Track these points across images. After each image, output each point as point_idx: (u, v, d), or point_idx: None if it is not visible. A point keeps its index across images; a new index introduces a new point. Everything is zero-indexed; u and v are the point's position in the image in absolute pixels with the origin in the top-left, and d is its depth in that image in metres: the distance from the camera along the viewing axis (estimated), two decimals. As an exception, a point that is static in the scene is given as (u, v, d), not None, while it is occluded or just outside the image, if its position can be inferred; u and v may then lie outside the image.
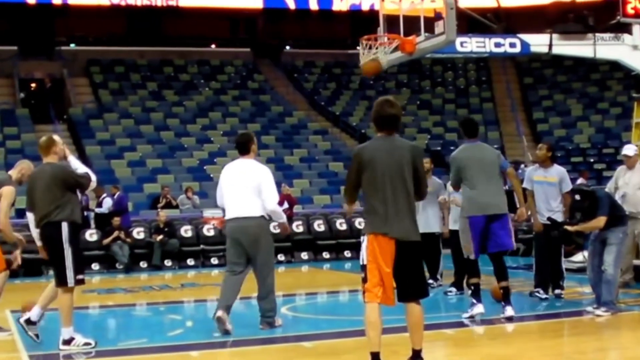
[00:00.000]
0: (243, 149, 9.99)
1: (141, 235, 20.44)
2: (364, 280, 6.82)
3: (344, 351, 8.45)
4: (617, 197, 11.77)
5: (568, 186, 11.53)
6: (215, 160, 27.17)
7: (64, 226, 8.69)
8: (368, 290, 6.75)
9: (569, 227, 10.66)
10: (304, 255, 21.10)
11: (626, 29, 14.00)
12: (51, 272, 9.41)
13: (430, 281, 13.30)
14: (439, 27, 12.25)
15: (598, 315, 9.94)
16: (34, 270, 17.72)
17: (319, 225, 21.63)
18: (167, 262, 20.14)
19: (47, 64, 33.60)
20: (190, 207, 22.92)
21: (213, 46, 36.82)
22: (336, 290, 14.84)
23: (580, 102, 33.55)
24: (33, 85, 34.42)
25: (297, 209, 22.84)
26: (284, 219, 10.27)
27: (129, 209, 21.83)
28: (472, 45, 13.79)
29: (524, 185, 12.19)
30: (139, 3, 33.87)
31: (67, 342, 8.73)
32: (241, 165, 9.92)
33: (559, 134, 31.57)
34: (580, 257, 14.27)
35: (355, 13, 35.34)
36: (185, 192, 23.30)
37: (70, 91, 31.53)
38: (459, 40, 13.07)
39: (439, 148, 29.16)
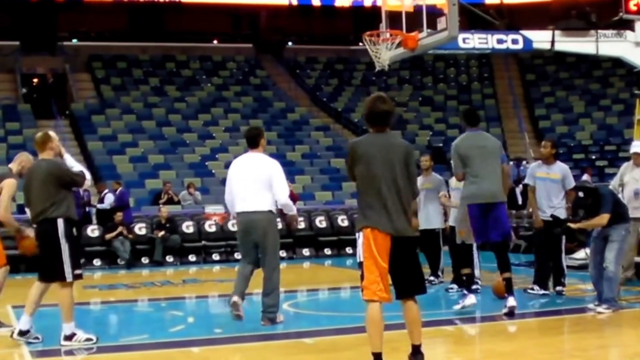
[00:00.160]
0: (252, 143, 10.04)
1: (143, 231, 20.46)
2: (362, 277, 6.81)
3: (345, 347, 8.44)
4: (625, 194, 11.78)
5: (571, 183, 11.54)
6: (217, 156, 27.18)
7: (60, 222, 8.69)
8: (366, 288, 6.72)
9: (571, 225, 10.67)
10: (306, 252, 21.11)
11: (629, 25, 13.98)
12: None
13: (432, 278, 13.32)
14: (441, 23, 12.23)
15: (599, 313, 9.93)
16: (35, 265, 17.70)
17: (320, 222, 21.65)
18: (169, 258, 20.16)
19: (49, 59, 33.59)
20: (191, 203, 22.92)
21: (215, 42, 36.80)
22: (337, 286, 14.84)
23: (582, 99, 33.51)
24: (35, 80, 34.40)
25: (298, 205, 22.80)
26: (294, 211, 10.33)
27: (130, 204, 21.83)
28: (474, 41, 13.78)
29: (526, 181, 12.23)
30: (141, -2, 33.93)
31: (69, 337, 8.72)
32: (250, 160, 9.95)
33: (561, 131, 31.54)
34: (582, 254, 14.28)
35: (357, 9, 35.31)
36: (187, 188, 23.30)
37: (72, 86, 31.53)
38: (461, 36, 13.06)
39: (440, 144, 29.15)
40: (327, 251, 21.25)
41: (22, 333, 8.90)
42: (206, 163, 26.83)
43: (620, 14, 14.03)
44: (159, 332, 9.80)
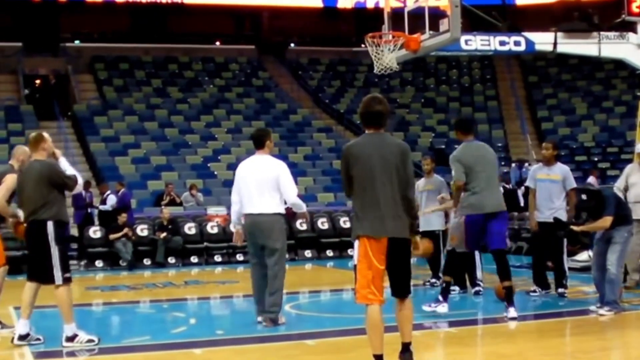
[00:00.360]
0: (258, 144, 10.10)
1: (145, 233, 20.46)
2: (355, 280, 6.86)
3: (347, 349, 8.44)
4: (631, 195, 11.76)
5: (572, 184, 11.56)
6: (219, 157, 27.20)
7: (50, 225, 8.68)
8: (357, 291, 6.79)
9: (574, 227, 10.67)
10: (308, 253, 21.11)
11: (631, 27, 13.97)
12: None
13: (433, 280, 13.31)
14: (443, 25, 12.22)
15: (601, 315, 9.92)
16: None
17: (322, 223, 21.65)
18: (171, 260, 20.16)
19: (51, 60, 33.64)
20: (194, 205, 22.92)
21: (217, 43, 36.83)
22: (339, 288, 14.82)
23: (584, 101, 33.50)
24: (37, 81, 34.45)
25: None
26: (304, 209, 10.40)
27: (131, 206, 21.84)
28: (476, 43, 13.78)
29: (527, 183, 12.26)
30: (143, 0, 33.91)
31: (71, 339, 8.71)
32: (256, 161, 10.00)
33: (563, 133, 31.53)
34: (584, 256, 14.27)
35: (360, 11, 35.34)
36: (189, 189, 23.30)
37: (75, 88, 31.55)
38: (463, 38, 13.05)
39: (443, 146, 29.13)
40: (329, 253, 21.25)
41: (22, 337, 8.89)
42: (208, 164, 26.85)
43: (623, 15, 14.01)
44: (161, 334, 9.80)
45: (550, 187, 11.60)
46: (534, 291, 11.78)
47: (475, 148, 10.32)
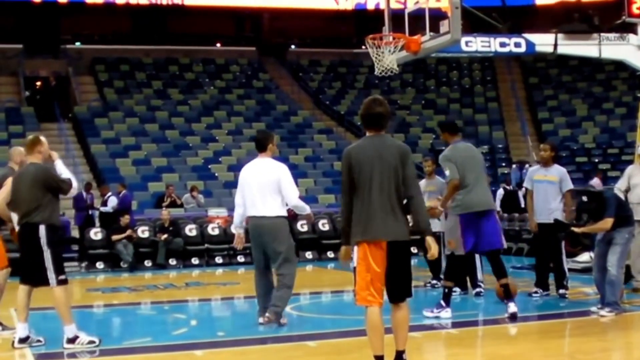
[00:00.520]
0: (260, 147, 10.21)
1: (146, 234, 20.46)
2: (355, 282, 6.87)
3: (348, 350, 8.45)
4: (634, 196, 11.76)
5: (568, 185, 11.61)
6: (220, 159, 27.20)
7: (42, 229, 8.69)
8: (357, 293, 6.81)
9: (575, 229, 10.67)
10: (309, 255, 21.10)
11: (631, 28, 13.96)
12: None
13: (434, 281, 13.30)
14: (444, 26, 12.21)
15: (602, 316, 9.92)
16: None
17: (323, 225, 21.65)
18: (172, 261, 20.15)
19: (52, 62, 33.66)
20: (194, 206, 22.93)
21: (218, 45, 36.84)
22: (341, 289, 14.81)
23: (585, 102, 33.51)
24: (38, 83, 34.47)
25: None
26: (307, 210, 10.43)
27: (132, 207, 21.85)
28: (477, 44, 13.77)
29: (525, 185, 12.31)
30: (144, 2, 33.94)
31: (72, 340, 8.72)
32: (258, 165, 10.07)
33: (563, 134, 31.54)
34: (585, 257, 14.26)
35: (360, 12, 35.34)
36: (190, 191, 23.31)
37: (76, 89, 31.56)
38: (464, 39, 13.04)
39: (443, 147, 28.95)
40: (330, 254, 21.22)
41: (23, 340, 8.90)
42: (209, 166, 26.86)
43: (623, 17, 14.01)
44: (162, 335, 9.81)
45: (547, 189, 11.64)
46: (535, 292, 11.79)
47: (464, 148, 10.46)
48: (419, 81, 35.56)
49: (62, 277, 8.77)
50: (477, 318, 10.79)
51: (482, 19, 14.19)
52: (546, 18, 29.51)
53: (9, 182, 9.51)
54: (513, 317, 9.84)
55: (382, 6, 13.65)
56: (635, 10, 13.99)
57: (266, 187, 9.83)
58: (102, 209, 21.53)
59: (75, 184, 9.11)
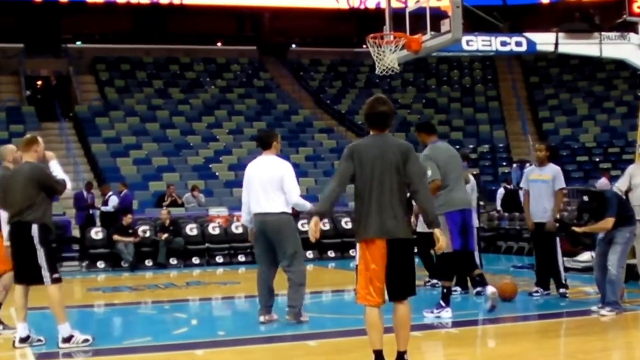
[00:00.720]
0: (264, 144, 10.27)
1: (146, 234, 20.46)
2: (357, 281, 6.88)
3: (349, 350, 8.44)
4: (635, 195, 11.73)
5: (560, 184, 11.63)
6: (220, 158, 27.20)
7: (34, 228, 8.68)
8: (358, 292, 6.85)
9: (576, 229, 10.67)
10: (309, 254, 21.02)
11: (632, 27, 13.94)
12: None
13: (435, 280, 13.29)
14: (445, 25, 12.21)
15: (603, 315, 9.92)
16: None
17: (324, 224, 21.60)
18: (173, 261, 20.16)
19: (53, 61, 33.66)
20: (195, 206, 22.93)
21: (219, 44, 36.84)
22: (341, 289, 14.83)
23: (586, 101, 33.50)
24: (39, 82, 34.48)
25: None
26: (308, 208, 10.53)
27: (132, 207, 21.85)
28: (478, 43, 13.75)
29: (521, 185, 12.32)
30: (145, 1, 33.94)
31: (67, 339, 8.71)
32: (262, 162, 10.14)
33: (564, 133, 31.54)
34: (586, 256, 14.26)
35: (361, 11, 35.32)
36: (191, 190, 23.31)
37: (76, 89, 31.56)
38: (465, 38, 13.03)
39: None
40: (331, 253, 21.24)
41: (23, 340, 8.90)
42: (210, 165, 26.86)
43: (624, 16, 13.99)
44: (162, 335, 9.80)
45: (541, 188, 11.66)
46: (536, 292, 11.78)
47: (445, 148, 10.66)
48: (419, 80, 35.56)
49: (56, 275, 8.78)
50: (478, 317, 10.78)
51: (483, 18, 14.18)
52: (547, 17, 29.53)
53: None
54: (493, 295, 10.18)
55: (383, 5, 13.65)
56: (636, 9, 13.99)
57: (270, 184, 9.89)
58: (103, 208, 21.53)
59: (69, 185, 9.11)
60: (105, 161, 26.33)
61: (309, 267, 19.50)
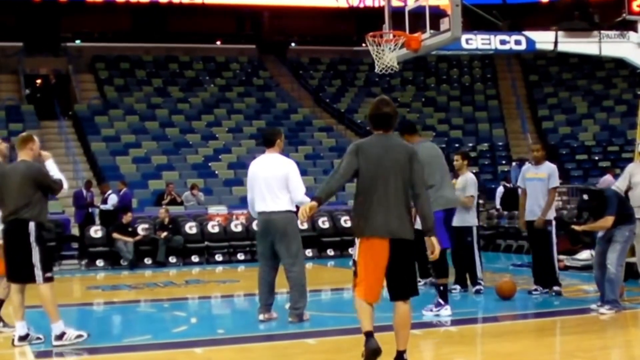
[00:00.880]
0: (268, 142, 10.25)
1: (146, 232, 20.44)
2: (355, 274, 6.87)
3: (348, 348, 8.43)
4: (636, 194, 11.73)
5: (554, 182, 11.64)
6: (220, 157, 27.20)
7: (31, 226, 8.68)
8: (358, 285, 6.85)
9: (576, 227, 10.67)
10: (309, 252, 21.02)
11: (632, 26, 13.94)
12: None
13: (423, 281, 13.28)
14: (444, 24, 12.21)
15: (602, 314, 9.92)
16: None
17: (323, 222, 21.64)
18: (172, 259, 20.15)
19: (52, 60, 33.64)
20: (194, 204, 22.93)
21: (218, 43, 36.83)
22: (340, 287, 14.83)
23: (585, 100, 33.50)
24: (38, 81, 34.44)
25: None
26: None
27: (132, 205, 21.85)
28: (477, 42, 13.75)
29: (518, 183, 12.34)
30: (144, -1, 33.95)
31: (59, 337, 8.72)
32: (267, 160, 10.12)
33: (563, 132, 31.54)
34: (585, 254, 14.26)
35: (360, 10, 35.31)
36: (190, 188, 23.30)
37: (76, 87, 31.55)
38: (464, 37, 13.03)
39: (443, 145, 29.05)
40: (330, 252, 21.23)
41: (22, 338, 8.92)
42: (209, 164, 26.85)
43: (624, 14, 13.99)
44: (161, 333, 9.80)
45: (537, 186, 11.68)
46: (535, 290, 11.77)
47: (430, 147, 10.73)
48: (419, 79, 35.55)
49: (48, 274, 8.77)
50: (477, 316, 10.78)
51: (482, 16, 14.18)
52: (546, 15, 29.51)
53: None
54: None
55: (383, 4, 13.64)
56: (635, 8, 13.97)
57: (274, 182, 9.88)
58: (103, 206, 21.52)
59: (65, 185, 9.10)
60: (105, 160, 26.32)
61: (308, 265, 19.58)
